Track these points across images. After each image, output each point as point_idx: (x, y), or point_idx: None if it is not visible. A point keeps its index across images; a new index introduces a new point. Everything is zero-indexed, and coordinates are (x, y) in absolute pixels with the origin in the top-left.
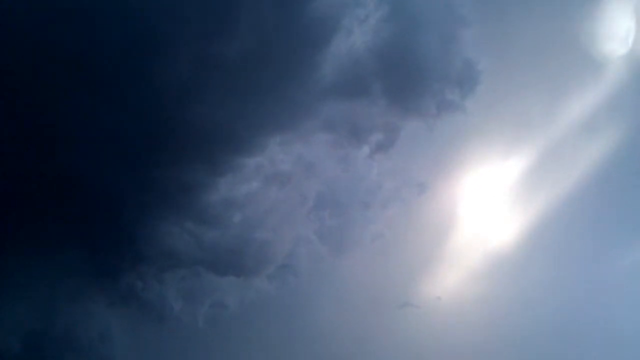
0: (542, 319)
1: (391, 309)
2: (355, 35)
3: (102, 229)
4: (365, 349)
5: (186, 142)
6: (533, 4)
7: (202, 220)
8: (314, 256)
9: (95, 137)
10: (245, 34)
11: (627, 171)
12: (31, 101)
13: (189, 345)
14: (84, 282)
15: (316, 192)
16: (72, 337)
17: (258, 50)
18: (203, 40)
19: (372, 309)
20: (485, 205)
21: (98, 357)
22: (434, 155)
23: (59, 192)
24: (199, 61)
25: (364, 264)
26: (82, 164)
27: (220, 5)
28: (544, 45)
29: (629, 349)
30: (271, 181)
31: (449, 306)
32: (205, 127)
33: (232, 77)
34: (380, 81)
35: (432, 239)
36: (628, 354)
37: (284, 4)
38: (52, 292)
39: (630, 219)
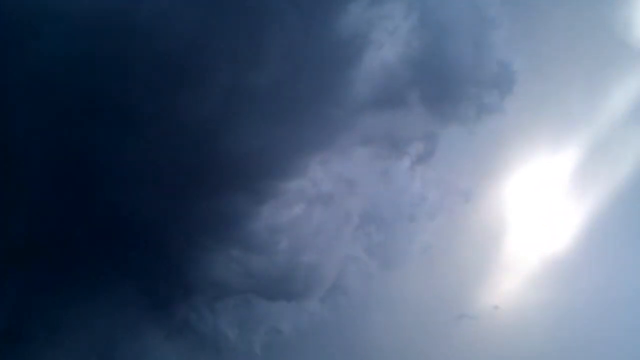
0: (611, 325)
1: (447, 321)
2: (386, 47)
3: (151, 264)
4: None
5: (226, 172)
6: None
7: (249, 248)
8: (364, 274)
9: (138, 174)
10: (275, 59)
11: None
12: (71, 142)
13: None
14: (140, 317)
15: (360, 208)
16: None
17: (290, 73)
18: (234, 69)
19: (427, 322)
20: (535, 208)
21: None
22: (477, 160)
23: (107, 230)
24: (231, 90)
25: (415, 277)
26: (126, 201)
27: (249, 32)
28: (578, 37)
29: None
30: (314, 202)
31: (508, 315)
32: (243, 155)
33: (266, 102)
34: (415, 90)
35: (484, 247)
36: None
37: (312, 25)
38: (109, 328)
39: None
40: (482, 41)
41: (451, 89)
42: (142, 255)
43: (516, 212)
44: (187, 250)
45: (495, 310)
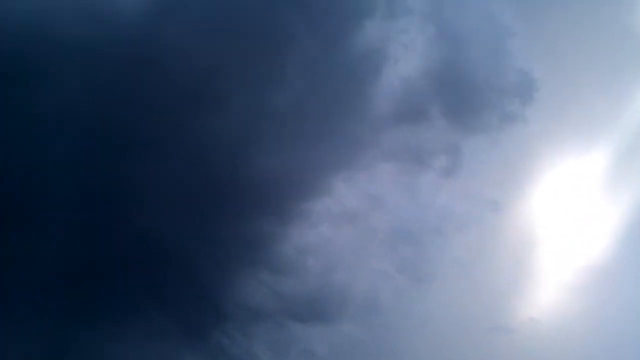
0: None
1: (482, 335)
2: (404, 61)
3: (183, 291)
4: None
5: (251, 195)
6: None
7: (278, 270)
8: (395, 290)
9: (166, 202)
10: (294, 79)
11: None
12: (101, 171)
13: None
14: (174, 344)
15: (388, 224)
16: None
17: (309, 92)
18: (255, 91)
19: (462, 337)
20: (567, 215)
21: None
22: (503, 169)
23: (138, 258)
24: (253, 113)
25: (448, 291)
26: (157, 229)
27: (267, 54)
28: (597, 41)
29: None
30: (341, 221)
31: (546, 327)
32: (268, 177)
33: (287, 122)
34: (436, 103)
35: (516, 257)
36: None
37: (329, 43)
38: (144, 356)
39: None
40: (500, 50)
41: (472, 99)
42: (174, 283)
43: (547, 220)
44: (217, 276)
45: (531, 322)
